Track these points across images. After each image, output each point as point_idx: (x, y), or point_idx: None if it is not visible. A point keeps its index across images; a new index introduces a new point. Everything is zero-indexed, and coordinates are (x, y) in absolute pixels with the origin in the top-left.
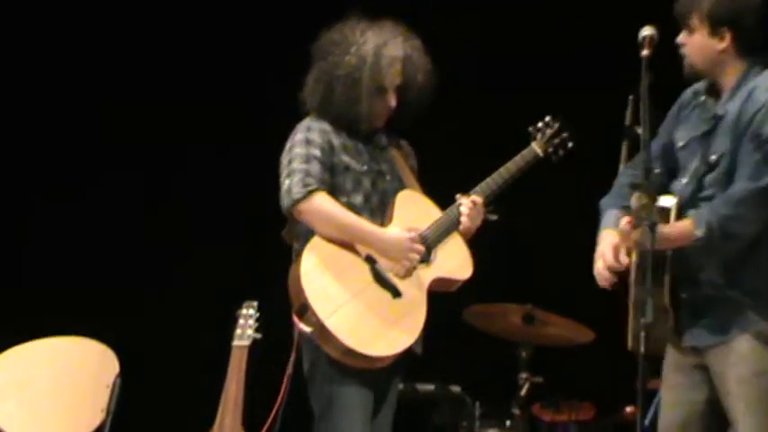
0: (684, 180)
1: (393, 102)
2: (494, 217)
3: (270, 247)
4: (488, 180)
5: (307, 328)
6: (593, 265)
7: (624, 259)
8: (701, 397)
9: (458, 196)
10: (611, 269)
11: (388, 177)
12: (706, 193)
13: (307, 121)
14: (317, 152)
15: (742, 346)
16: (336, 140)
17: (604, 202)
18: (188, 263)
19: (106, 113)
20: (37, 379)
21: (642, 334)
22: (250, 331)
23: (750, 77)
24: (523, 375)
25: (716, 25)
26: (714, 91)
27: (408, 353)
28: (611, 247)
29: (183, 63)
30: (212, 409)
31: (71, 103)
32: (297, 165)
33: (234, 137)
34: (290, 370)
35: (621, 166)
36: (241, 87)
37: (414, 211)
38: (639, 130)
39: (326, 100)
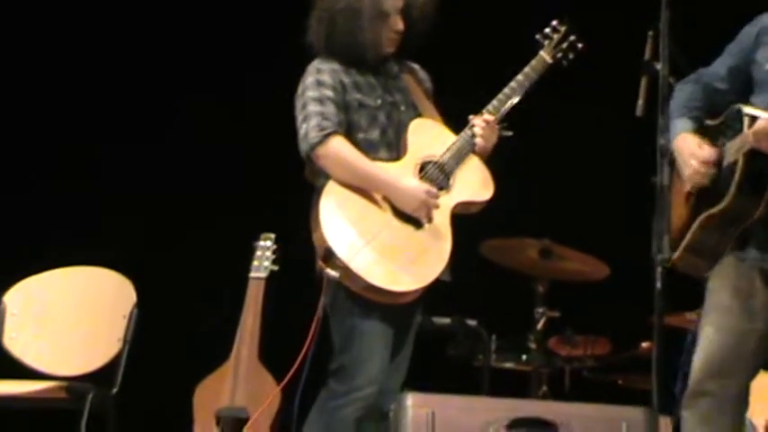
0: None
1: (399, 25)
2: (509, 133)
3: (290, 181)
4: (500, 96)
5: (334, 273)
6: (684, 170)
7: (712, 153)
8: (760, 325)
9: (470, 117)
10: (706, 163)
11: (402, 108)
12: None
13: (315, 63)
14: (329, 93)
15: None
16: (347, 78)
17: (673, 112)
18: (207, 194)
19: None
20: (54, 308)
21: (659, 269)
22: (267, 263)
23: None
24: (540, 310)
25: None
26: None
27: (436, 282)
28: (697, 145)
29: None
30: (229, 340)
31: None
32: (312, 108)
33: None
34: (319, 313)
35: (640, 102)
36: None
37: (427, 138)
38: (658, 66)
39: (331, 36)
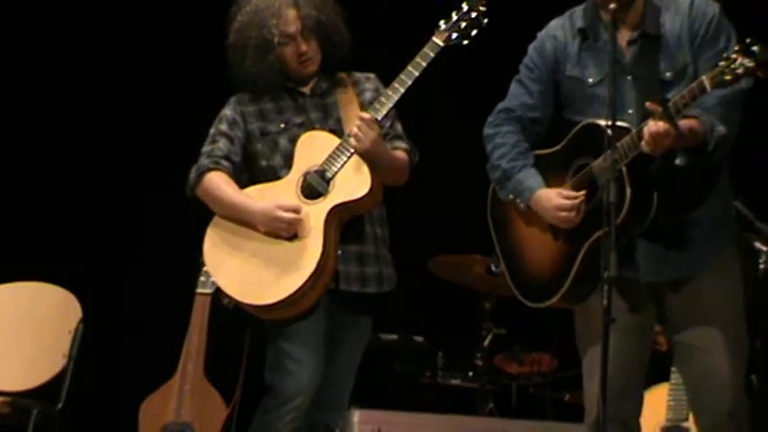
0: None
1: (302, 47)
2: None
3: None
4: (387, 91)
5: (226, 301)
6: (558, 224)
7: (577, 190)
8: (648, 341)
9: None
10: (577, 206)
11: (317, 126)
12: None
13: None
14: (223, 127)
15: (716, 277)
16: (252, 108)
17: (508, 164)
18: (156, 210)
19: None
20: None
21: (605, 287)
22: (213, 279)
23: None
24: (487, 326)
25: None
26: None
27: (344, 291)
28: (558, 197)
29: None
30: (175, 356)
31: None
32: (203, 148)
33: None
34: (246, 341)
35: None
36: None
37: (313, 151)
38: None
39: (234, 72)
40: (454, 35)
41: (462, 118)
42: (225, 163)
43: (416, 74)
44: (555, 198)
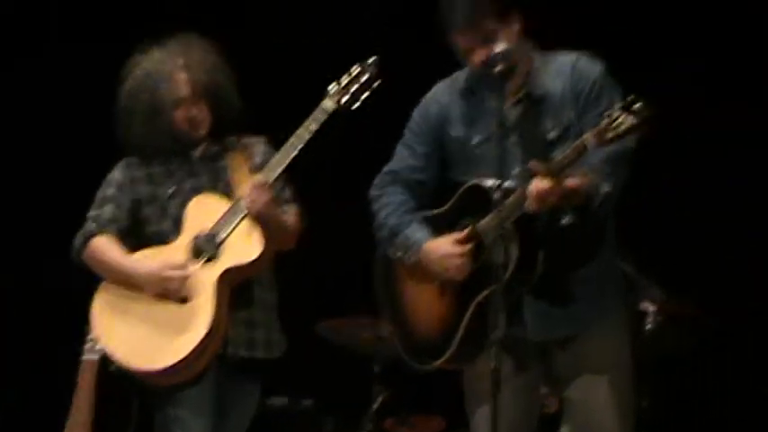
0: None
1: (193, 111)
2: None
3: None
4: (277, 155)
5: (113, 369)
6: (444, 275)
7: (469, 240)
8: (536, 400)
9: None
10: (468, 255)
11: (207, 190)
12: None
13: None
14: (111, 191)
15: (603, 334)
16: (141, 172)
17: (394, 222)
18: (41, 270)
19: None
20: None
21: (493, 350)
22: (101, 345)
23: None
24: (377, 389)
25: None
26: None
27: (232, 356)
28: (451, 244)
29: None
30: (61, 424)
31: None
32: (89, 213)
33: None
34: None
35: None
36: None
37: (204, 214)
38: None
39: (123, 135)
40: (345, 98)
41: (348, 181)
42: (112, 227)
43: (307, 137)
44: (444, 246)
